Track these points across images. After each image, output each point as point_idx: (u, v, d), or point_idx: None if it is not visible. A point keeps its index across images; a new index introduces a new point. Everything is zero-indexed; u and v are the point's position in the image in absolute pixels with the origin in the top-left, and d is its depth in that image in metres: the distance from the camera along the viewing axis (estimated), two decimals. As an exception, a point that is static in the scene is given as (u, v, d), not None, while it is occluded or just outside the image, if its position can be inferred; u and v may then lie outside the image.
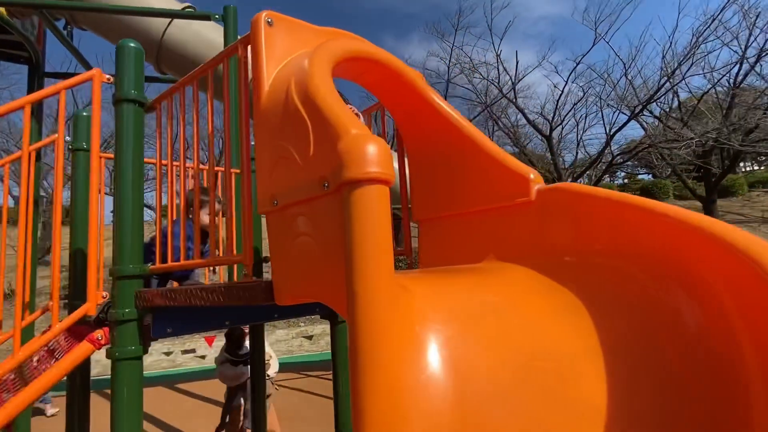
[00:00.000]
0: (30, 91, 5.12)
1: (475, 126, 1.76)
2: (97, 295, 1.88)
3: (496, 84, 17.80)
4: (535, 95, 24.30)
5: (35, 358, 2.18)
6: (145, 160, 2.07)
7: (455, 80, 18.74)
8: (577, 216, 1.36)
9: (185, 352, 9.55)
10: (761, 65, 15.89)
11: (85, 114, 2.82)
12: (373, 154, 1.04)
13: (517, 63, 17.89)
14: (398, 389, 0.95)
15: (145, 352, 1.90)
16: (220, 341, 6.66)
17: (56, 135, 2.52)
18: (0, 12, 4.31)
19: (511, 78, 17.81)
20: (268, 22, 1.46)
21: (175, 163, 2.01)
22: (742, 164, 33.50)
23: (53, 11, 4.73)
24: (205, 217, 2.47)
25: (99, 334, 1.83)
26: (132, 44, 2.00)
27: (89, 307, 1.86)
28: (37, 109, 4.98)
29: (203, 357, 9.26)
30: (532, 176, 1.54)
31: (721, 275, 0.92)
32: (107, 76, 1.95)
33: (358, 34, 1.73)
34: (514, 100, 17.98)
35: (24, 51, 4.96)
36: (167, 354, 9.43)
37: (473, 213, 1.74)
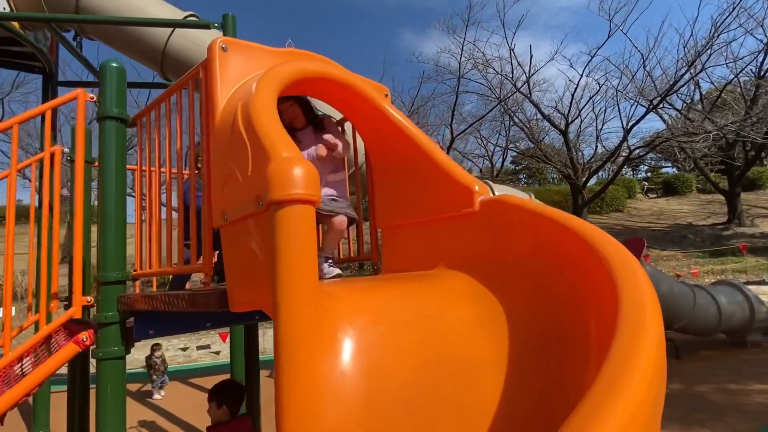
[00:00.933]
0: (44, 100, 5.37)
1: (429, 138, 1.84)
2: (82, 299, 2.03)
3: (509, 78, 17.61)
4: (552, 89, 24.00)
5: (33, 357, 2.36)
6: (128, 167, 2.20)
7: (468, 75, 18.62)
8: (511, 225, 1.43)
9: (200, 348, 9.85)
10: (787, 53, 15.32)
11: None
12: (299, 177, 1.13)
13: (531, 57, 17.68)
14: (314, 389, 1.04)
15: (128, 352, 2.05)
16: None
17: (57, 146, 2.69)
18: (13, 25, 4.54)
19: (525, 72, 17.62)
20: (222, 47, 1.56)
21: (156, 169, 2.14)
22: (771, 156, 32.27)
23: (62, 23, 4.95)
24: None
25: (84, 335, 1.98)
26: (114, 64, 2.14)
27: (75, 311, 2.02)
28: (53, 117, 5.23)
29: (217, 353, 9.53)
30: (476, 188, 1.61)
31: (587, 266, 1.01)
32: (91, 95, 2.09)
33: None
34: (528, 95, 17.78)
35: (38, 61, 5.21)
36: (183, 350, 9.74)
37: (426, 222, 1.81)
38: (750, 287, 6.94)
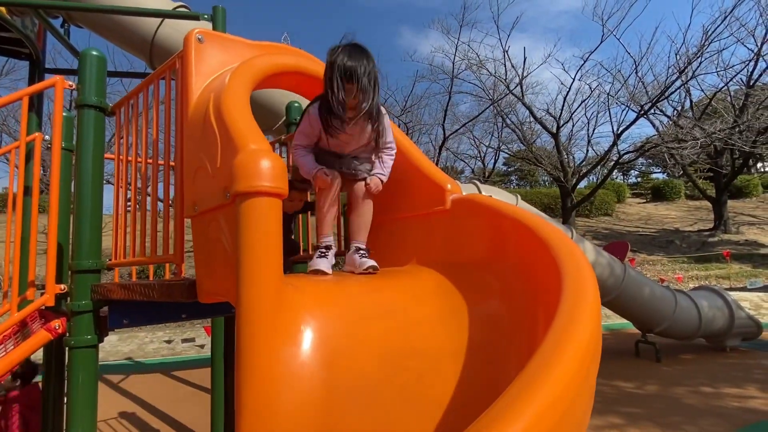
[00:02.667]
0: (30, 86, 5.30)
1: (405, 135, 1.85)
2: (55, 287, 2.03)
3: (502, 80, 17.67)
4: (545, 92, 24.10)
5: (11, 342, 2.34)
6: (106, 156, 2.20)
7: (462, 76, 18.66)
8: (476, 223, 1.45)
9: (185, 340, 9.81)
10: (776, 63, 15.53)
11: (65, 115, 2.96)
12: (265, 169, 1.14)
13: (525, 59, 17.75)
14: (273, 378, 1.06)
15: (101, 341, 2.04)
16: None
17: (37, 134, 2.67)
18: (0, 11, 4.48)
19: (518, 74, 17.69)
20: (199, 38, 1.57)
21: (134, 159, 2.13)
22: (759, 165, 32.79)
23: (49, 10, 4.89)
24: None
25: (57, 323, 1.98)
26: (94, 53, 2.13)
27: (47, 299, 2.01)
28: (37, 103, 5.17)
29: (202, 346, 9.49)
30: (449, 186, 1.63)
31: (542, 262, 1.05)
32: (69, 83, 2.08)
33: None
34: (521, 97, 17.86)
35: (25, 48, 5.14)
36: (168, 342, 9.69)
37: (401, 219, 1.83)
38: (732, 293, 7.05)
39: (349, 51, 1.52)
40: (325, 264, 1.61)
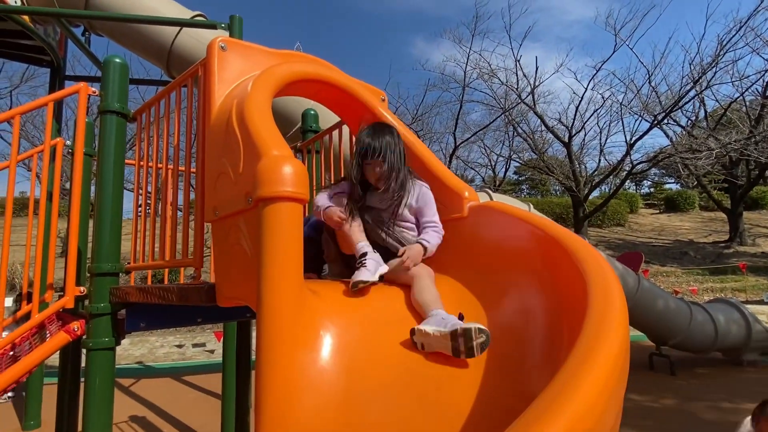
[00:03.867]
0: (51, 92, 5.42)
1: (422, 142, 1.86)
2: (75, 290, 2.06)
3: (514, 89, 17.66)
4: (557, 101, 24.02)
5: (27, 344, 2.38)
6: (126, 162, 2.23)
7: (473, 85, 18.69)
8: (496, 231, 1.45)
9: (195, 345, 9.86)
10: (793, 74, 15.33)
11: (88, 121, 3.02)
12: (288, 175, 1.15)
13: (537, 68, 17.76)
14: (293, 383, 1.07)
15: (118, 343, 2.07)
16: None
17: (59, 139, 2.73)
18: (23, 19, 4.60)
19: (530, 83, 17.67)
20: (222, 47, 1.60)
21: (155, 164, 2.17)
22: (775, 176, 32.23)
23: (71, 19, 5.02)
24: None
25: (75, 325, 2.01)
26: (117, 60, 2.17)
27: (67, 301, 2.04)
28: (57, 110, 5.29)
29: (212, 351, 9.53)
30: (467, 194, 1.64)
31: (565, 272, 1.04)
32: (93, 89, 2.12)
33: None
34: (533, 106, 17.82)
35: (46, 55, 5.27)
36: (179, 347, 9.75)
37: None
38: (748, 306, 6.92)
39: (371, 129, 1.64)
40: (365, 274, 1.37)
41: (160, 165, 2.09)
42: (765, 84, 16.02)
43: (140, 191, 2.13)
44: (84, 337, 2.03)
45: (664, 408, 4.77)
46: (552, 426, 0.53)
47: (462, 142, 19.44)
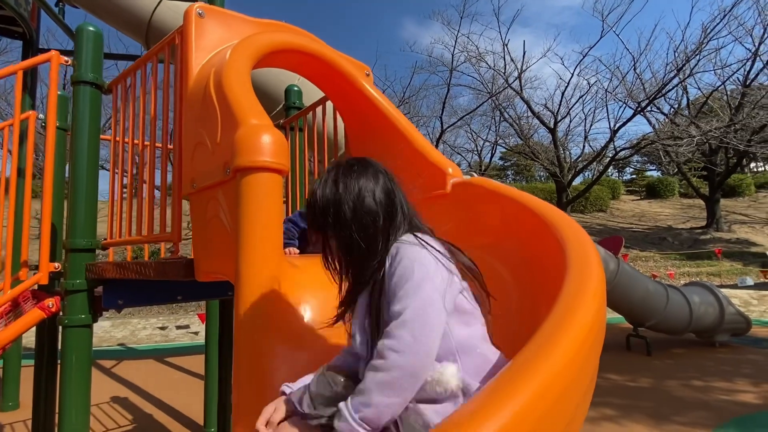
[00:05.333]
0: (23, 66, 5.21)
1: (407, 119, 1.84)
2: (49, 266, 2.00)
3: (501, 74, 17.62)
4: (544, 86, 24.01)
5: (2, 322, 2.32)
6: (102, 137, 2.16)
7: (460, 68, 18.59)
8: (479, 207, 1.44)
9: (179, 327, 9.79)
10: (774, 63, 15.58)
11: (60, 94, 2.91)
12: (267, 144, 1.12)
13: (524, 53, 17.71)
14: (270, 355, 1.05)
15: (95, 320, 2.03)
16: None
17: (30, 112, 2.62)
18: (-7, -12, 4.39)
19: (517, 68, 17.64)
20: (200, 13, 1.53)
21: (132, 140, 2.10)
22: (753, 165, 33.03)
23: (45, -12, 4.81)
24: None
25: (50, 302, 1.96)
26: (91, 28, 2.09)
27: (41, 277, 1.99)
28: (30, 84, 5.10)
29: (196, 333, 9.48)
30: (450, 170, 1.62)
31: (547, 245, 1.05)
32: (65, 59, 2.04)
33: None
34: (519, 91, 17.82)
35: (18, 26, 5.05)
36: (162, 329, 9.67)
37: (401, 202, 1.82)
38: (722, 290, 7.11)
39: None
40: None
41: (137, 141, 2.03)
42: (746, 73, 16.26)
43: (116, 166, 2.06)
44: (60, 314, 1.98)
45: (639, 386, 4.91)
46: (528, 384, 0.53)
47: (449, 126, 19.40)
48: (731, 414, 3.97)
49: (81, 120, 2.03)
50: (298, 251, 1.71)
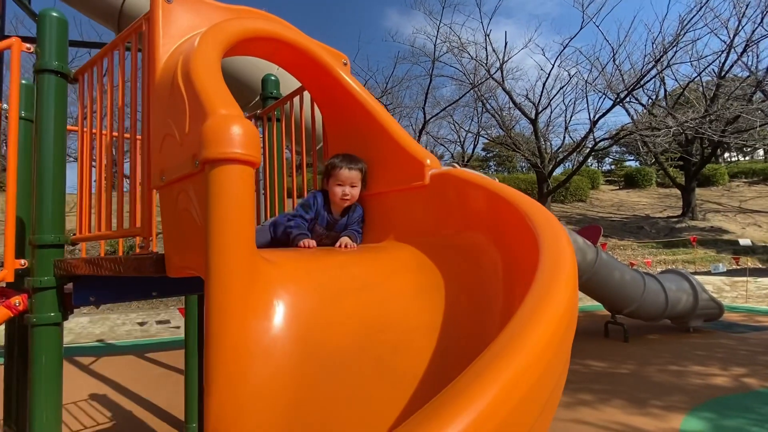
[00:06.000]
0: (-12, 54, 5.01)
1: (386, 109, 1.81)
2: (15, 262, 1.93)
3: (483, 64, 17.64)
4: (525, 77, 24.10)
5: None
6: (69, 127, 2.08)
7: (443, 59, 18.54)
8: (453, 198, 1.43)
9: (159, 322, 9.64)
10: (748, 55, 15.95)
11: (24, 82, 2.79)
12: (236, 135, 1.08)
13: (506, 44, 17.75)
14: (244, 352, 1.02)
15: (65, 318, 1.96)
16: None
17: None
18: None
19: (499, 58, 17.68)
20: (167, -1, 1.47)
21: (99, 131, 2.03)
22: (726, 155, 33.91)
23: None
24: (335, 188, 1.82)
25: (17, 300, 1.89)
26: (54, 13, 1.99)
27: (6, 274, 1.91)
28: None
29: (177, 328, 9.35)
30: (428, 161, 1.60)
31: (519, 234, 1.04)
32: (27, 45, 1.94)
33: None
34: (501, 82, 17.89)
35: (-19, 13, 4.84)
36: (141, 324, 9.51)
37: (379, 194, 1.80)
38: (697, 277, 7.31)
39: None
40: None
41: (104, 132, 1.95)
42: (721, 65, 16.61)
43: (85, 157, 1.99)
44: (27, 313, 1.91)
45: (618, 372, 5.02)
46: (499, 377, 0.52)
47: (431, 117, 19.38)
48: (705, 397, 4.10)
49: (46, 110, 1.95)
50: (315, 244, 1.66)
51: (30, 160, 2.80)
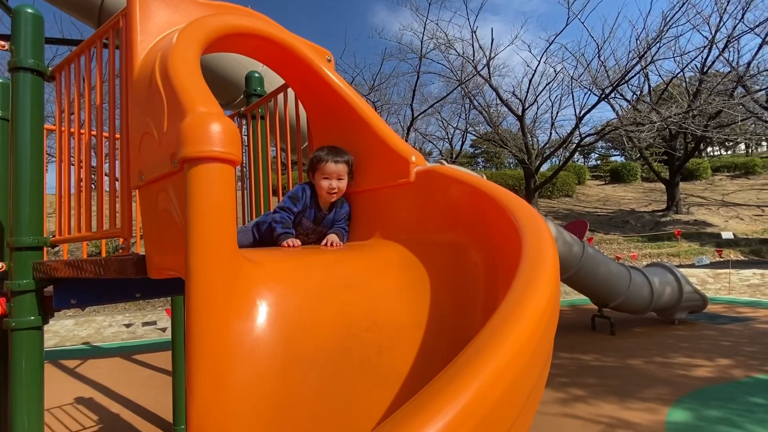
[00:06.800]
0: (-36, 53, 4.87)
1: (370, 106, 1.79)
2: (-8, 266, 1.88)
3: (470, 61, 17.68)
4: (512, 74, 24.31)
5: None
6: (47, 127, 2.03)
7: (430, 56, 18.55)
8: (437, 194, 1.43)
9: (146, 324, 9.52)
10: (729, 51, 16.21)
11: (2, 81, 2.72)
12: (216, 133, 1.06)
13: (492, 40, 17.81)
14: (227, 353, 1.01)
15: (45, 322, 1.92)
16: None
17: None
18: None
19: (486, 55, 17.74)
20: (144, -6, 1.44)
21: (78, 131, 1.98)
22: (709, 149, 34.50)
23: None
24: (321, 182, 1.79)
25: (-5, 304, 1.84)
26: (29, 10, 1.94)
27: (-17, 277, 1.86)
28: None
29: (164, 329, 9.25)
30: (413, 158, 1.59)
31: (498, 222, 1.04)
32: (1, 43, 1.89)
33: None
34: (488, 78, 17.95)
35: (-45, 10, 4.71)
36: (127, 326, 9.39)
37: (365, 192, 1.79)
38: (681, 270, 7.43)
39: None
40: None
41: (82, 131, 1.91)
42: (703, 61, 16.87)
43: (63, 157, 1.94)
44: (6, 317, 1.87)
45: (604, 365, 5.09)
46: (480, 372, 0.52)
47: (419, 114, 19.39)
48: (690, 388, 4.17)
49: (22, 109, 1.90)
50: (300, 243, 1.62)
51: (7, 160, 2.74)
